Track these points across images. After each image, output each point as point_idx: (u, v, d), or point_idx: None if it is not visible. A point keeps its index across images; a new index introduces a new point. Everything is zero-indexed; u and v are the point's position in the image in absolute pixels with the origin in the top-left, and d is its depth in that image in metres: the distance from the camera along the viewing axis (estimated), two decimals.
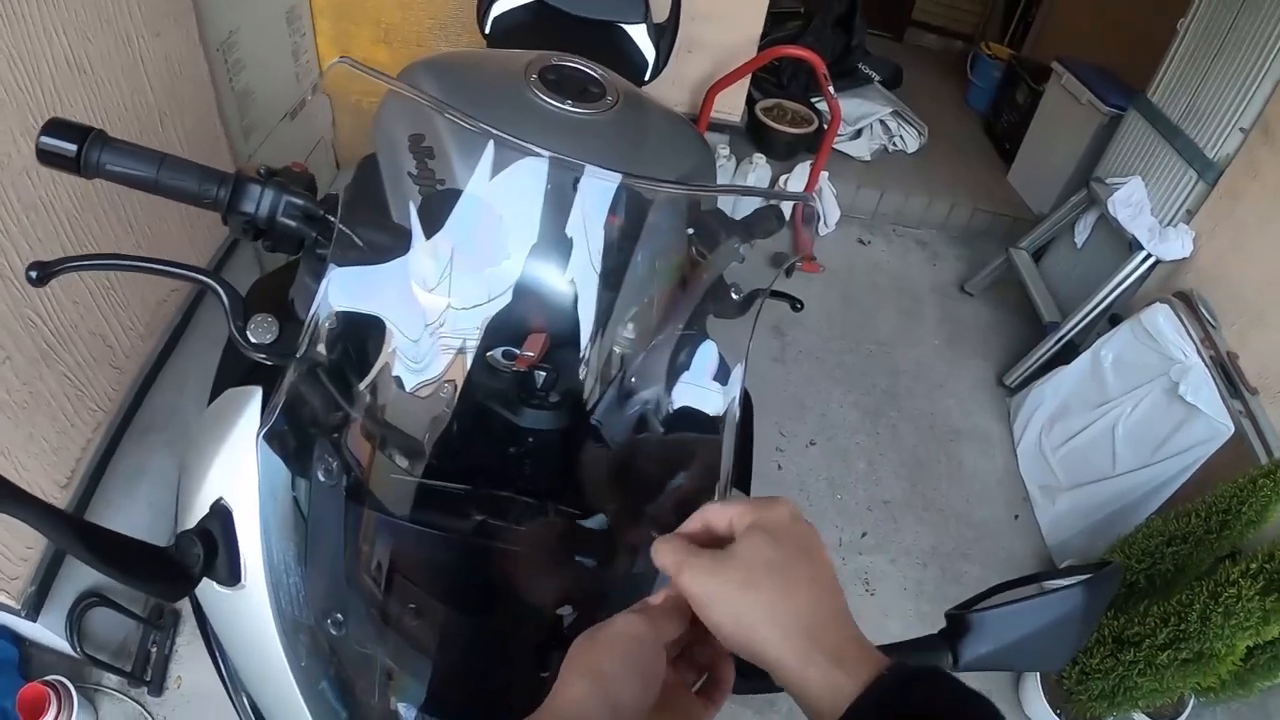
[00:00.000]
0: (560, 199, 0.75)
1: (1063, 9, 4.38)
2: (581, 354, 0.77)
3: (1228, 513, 1.86)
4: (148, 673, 1.81)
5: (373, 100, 0.94)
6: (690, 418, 0.80)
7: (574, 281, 0.77)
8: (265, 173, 0.73)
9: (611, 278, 0.79)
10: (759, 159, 3.40)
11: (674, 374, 0.81)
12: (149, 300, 1.81)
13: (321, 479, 0.70)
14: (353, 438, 0.73)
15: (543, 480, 0.77)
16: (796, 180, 3.41)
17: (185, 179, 0.71)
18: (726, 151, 3.35)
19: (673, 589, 0.55)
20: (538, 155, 0.72)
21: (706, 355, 0.83)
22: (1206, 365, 2.22)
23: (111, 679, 1.81)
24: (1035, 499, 2.65)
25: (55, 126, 0.67)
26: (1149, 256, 2.55)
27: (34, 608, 1.55)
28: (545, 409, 0.77)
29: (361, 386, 0.74)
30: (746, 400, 1.16)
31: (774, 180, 3.43)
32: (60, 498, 1.57)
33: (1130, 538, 2.12)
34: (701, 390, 0.81)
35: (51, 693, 1.63)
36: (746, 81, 3.26)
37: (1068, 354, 2.75)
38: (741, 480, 0.98)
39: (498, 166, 0.74)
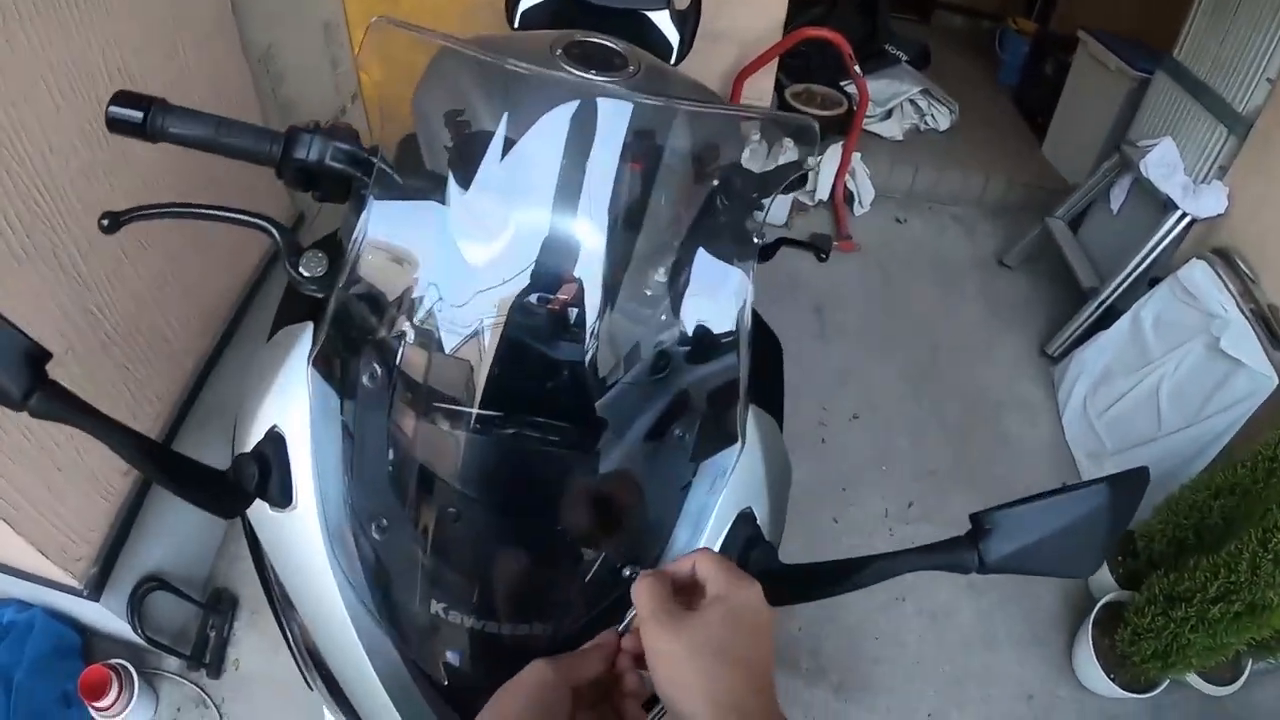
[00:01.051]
0: (583, 143, 0.78)
1: None
2: (590, 295, 0.77)
3: (1274, 460, 1.83)
4: (206, 656, 1.85)
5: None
6: (704, 340, 0.82)
7: (594, 224, 0.78)
8: (314, 125, 0.79)
9: (631, 219, 0.80)
10: (788, 143, 3.41)
11: (680, 295, 0.82)
12: (204, 297, 1.90)
13: (367, 383, 0.75)
14: (398, 354, 0.76)
15: (572, 408, 0.78)
16: (829, 162, 3.43)
17: (242, 137, 0.78)
18: (758, 137, 3.38)
19: (608, 637, 0.63)
20: (565, 80, 0.78)
21: (708, 268, 0.83)
22: (1247, 318, 2.19)
23: (171, 663, 1.86)
24: (1083, 465, 2.63)
25: (122, 97, 0.75)
26: (1184, 215, 2.53)
27: (96, 588, 1.58)
28: (579, 342, 0.78)
29: (397, 315, 0.77)
30: (772, 336, 1.18)
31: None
32: (121, 484, 1.63)
33: (1177, 496, 2.10)
34: (711, 305, 0.82)
35: (113, 674, 1.68)
36: (774, 68, 3.27)
37: (1109, 319, 2.73)
38: (774, 406, 1.00)
39: (525, 110, 0.78)
